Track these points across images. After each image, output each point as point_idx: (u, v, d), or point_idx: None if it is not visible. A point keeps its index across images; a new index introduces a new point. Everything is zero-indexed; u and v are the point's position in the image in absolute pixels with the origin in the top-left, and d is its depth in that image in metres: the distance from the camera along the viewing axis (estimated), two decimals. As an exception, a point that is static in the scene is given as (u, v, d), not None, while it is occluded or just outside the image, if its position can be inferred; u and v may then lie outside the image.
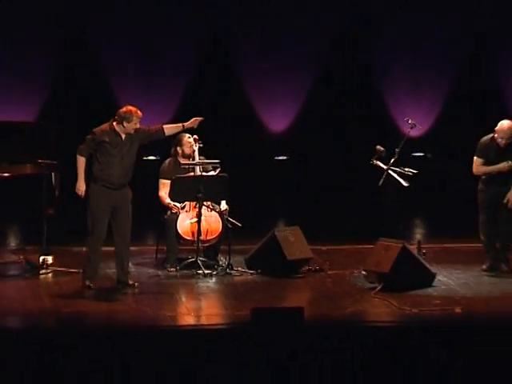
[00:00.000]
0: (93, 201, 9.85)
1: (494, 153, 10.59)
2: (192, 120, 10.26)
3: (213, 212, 10.83)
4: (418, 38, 15.09)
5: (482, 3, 14.99)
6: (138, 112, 9.88)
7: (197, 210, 10.64)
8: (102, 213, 9.88)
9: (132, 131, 9.88)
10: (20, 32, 14.23)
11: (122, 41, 14.72)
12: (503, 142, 10.53)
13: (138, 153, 9.97)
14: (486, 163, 10.60)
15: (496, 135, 10.54)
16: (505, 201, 10.54)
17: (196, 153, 10.95)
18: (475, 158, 10.67)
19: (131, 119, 9.83)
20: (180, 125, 10.25)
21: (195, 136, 10.98)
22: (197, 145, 10.96)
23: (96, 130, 9.89)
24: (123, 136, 9.88)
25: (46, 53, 14.39)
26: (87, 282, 9.94)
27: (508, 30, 15.12)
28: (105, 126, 9.91)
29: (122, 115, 9.83)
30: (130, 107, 9.90)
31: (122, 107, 9.94)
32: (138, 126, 9.89)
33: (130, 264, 11.05)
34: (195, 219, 10.66)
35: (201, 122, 10.25)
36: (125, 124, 9.83)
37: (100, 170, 9.85)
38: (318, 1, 14.85)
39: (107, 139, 9.83)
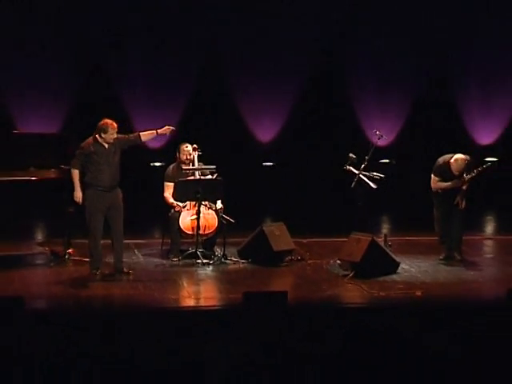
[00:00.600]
0: (89, 204, 9.85)
1: (449, 175, 10.60)
2: (165, 127, 10.23)
3: (210, 210, 10.81)
4: (384, 64, 15.10)
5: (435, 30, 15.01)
6: (114, 124, 9.88)
7: (196, 208, 10.63)
8: (98, 213, 9.86)
9: (111, 140, 9.84)
10: (47, 57, 14.19)
11: (132, 62, 14.69)
12: (457, 173, 10.55)
13: (121, 158, 9.94)
14: (442, 180, 10.63)
15: (451, 166, 10.53)
16: (455, 202, 10.57)
17: (195, 159, 10.93)
18: (432, 176, 10.67)
19: (107, 130, 9.82)
20: (154, 131, 10.18)
21: (195, 145, 10.96)
22: (196, 153, 10.95)
23: (83, 144, 9.91)
24: (106, 145, 9.86)
25: (69, 75, 14.36)
26: (94, 271, 9.94)
27: (464, 44, 15.08)
28: (89, 139, 9.91)
29: (100, 127, 9.84)
30: (107, 120, 9.91)
31: (101, 120, 9.93)
32: (114, 135, 9.84)
33: (139, 254, 11.07)
34: (195, 216, 10.64)
35: (173, 130, 10.23)
36: (103, 135, 9.81)
37: (92, 177, 9.84)
38: (298, 25, 14.81)
39: (93, 150, 9.82)
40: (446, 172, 10.60)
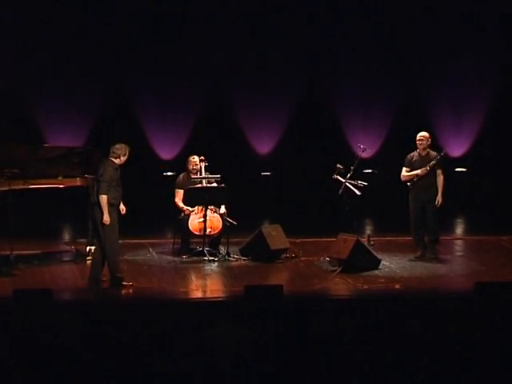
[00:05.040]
0: (112, 220, 9.26)
1: (417, 162, 10.60)
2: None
3: (215, 214, 10.82)
4: (366, 87, 15.14)
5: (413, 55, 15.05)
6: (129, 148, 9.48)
7: (203, 212, 10.63)
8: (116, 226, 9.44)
9: (123, 163, 9.42)
10: (74, 78, 14.21)
11: (148, 87, 14.71)
12: (421, 147, 10.53)
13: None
14: (411, 170, 10.62)
15: (418, 146, 10.56)
16: (436, 203, 10.53)
17: (203, 169, 10.93)
18: (403, 168, 10.70)
19: (126, 153, 9.40)
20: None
21: (202, 157, 10.97)
22: (203, 163, 10.95)
23: (107, 173, 9.26)
24: (118, 168, 9.43)
25: (92, 96, 14.38)
26: (118, 275, 9.45)
27: (436, 68, 15.13)
28: (109, 166, 9.33)
29: (120, 150, 9.34)
30: (122, 144, 9.45)
31: (118, 143, 9.44)
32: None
33: (154, 252, 11.07)
34: (202, 219, 10.65)
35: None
36: (122, 158, 9.37)
37: (112, 198, 9.30)
38: (289, 54, 14.86)
39: (116, 173, 9.38)
40: (413, 159, 10.56)
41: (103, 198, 9.23)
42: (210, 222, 10.69)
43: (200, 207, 10.74)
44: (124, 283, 9.37)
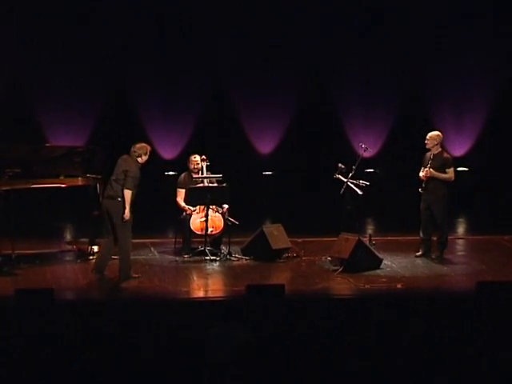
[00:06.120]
0: (130, 218, 9.39)
1: (428, 162, 10.55)
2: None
3: (217, 213, 10.82)
4: (368, 87, 15.13)
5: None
6: (148, 147, 9.56)
7: (205, 211, 10.63)
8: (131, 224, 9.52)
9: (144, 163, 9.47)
10: (75, 79, 14.20)
11: (149, 86, 14.70)
12: (428, 147, 10.50)
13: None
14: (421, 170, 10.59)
15: (426, 145, 10.54)
16: (420, 174, 10.43)
17: (204, 168, 10.93)
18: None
19: (147, 152, 9.46)
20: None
21: (203, 156, 10.96)
22: (205, 163, 10.94)
23: (133, 169, 9.31)
24: (141, 167, 9.49)
25: (94, 95, 14.37)
26: (131, 274, 9.56)
27: (438, 67, 15.13)
28: (134, 163, 9.36)
29: (141, 150, 9.39)
30: (144, 143, 9.51)
31: (138, 143, 9.47)
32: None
33: (155, 251, 11.06)
34: (204, 218, 10.65)
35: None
36: (144, 157, 9.43)
37: (135, 196, 9.41)
38: (291, 52, 14.85)
39: (139, 174, 9.45)
40: (425, 160, 10.49)
41: (128, 193, 9.28)
42: (212, 222, 10.68)
43: (202, 206, 10.72)
44: (134, 275, 9.54)
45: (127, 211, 9.32)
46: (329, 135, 15.08)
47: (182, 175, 11.07)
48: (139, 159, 9.45)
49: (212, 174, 10.92)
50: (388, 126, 15.29)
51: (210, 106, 14.85)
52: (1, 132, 12.73)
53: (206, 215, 10.57)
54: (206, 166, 10.93)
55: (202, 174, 10.87)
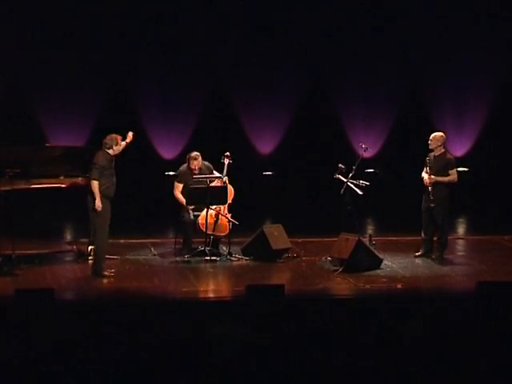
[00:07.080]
0: (104, 211, 9.59)
1: (431, 162, 10.52)
2: (129, 135, 9.92)
3: (227, 216, 10.69)
4: (368, 87, 15.14)
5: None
6: (119, 136, 9.73)
7: (217, 212, 10.52)
8: (108, 221, 9.73)
9: (118, 152, 9.68)
10: (75, 79, 14.21)
11: (149, 86, 14.71)
12: (430, 147, 10.49)
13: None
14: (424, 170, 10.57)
15: (429, 146, 10.52)
16: (424, 177, 10.41)
17: (225, 166, 10.75)
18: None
19: (118, 142, 9.67)
20: (124, 142, 9.85)
21: (227, 153, 10.84)
22: (227, 160, 10.78)
23: (98, 161, 9.58)
24: (113, 157, 9.69)
25: (94, 95, 14.37)
26: (108, 271, 9.80)
27: (438, 67, 15.13)
28: (101, 155, 9.63)
29: (111, 140, 9.64)
30: (113, 134, 9.72)
31: (108, 135, 9.71)
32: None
33: (156, 252, 11.05)
34: (215, 219, 10.53)
35: (133, 135, 9.90)
36: (114, 147, 9.65)
37: (105, 188, 9.59)
38: (291, 54, 14.86)
39: (106, 163, 9.63)
40: (429, 160, 10.46)
41: (94, 184, 9.55)
42: (221, 222, 10.61)
43: (213, 206, 10.56)
44: (105, 273, 9.66)
45: (97, 201, 9.54)
46: (329, 135, 15.09)
47: (182, 167, 10.90)
48: (110, 151, 9.68)
49: (213, 172, 10.86)
50: (388, 126, 15.30)
51: (209, 106, 14.86)
52: (1, 132, 12.72)
53: (206, 215, 10.49)
54: (228, 163, 10.77)
55: (223, 171, 10.73)
